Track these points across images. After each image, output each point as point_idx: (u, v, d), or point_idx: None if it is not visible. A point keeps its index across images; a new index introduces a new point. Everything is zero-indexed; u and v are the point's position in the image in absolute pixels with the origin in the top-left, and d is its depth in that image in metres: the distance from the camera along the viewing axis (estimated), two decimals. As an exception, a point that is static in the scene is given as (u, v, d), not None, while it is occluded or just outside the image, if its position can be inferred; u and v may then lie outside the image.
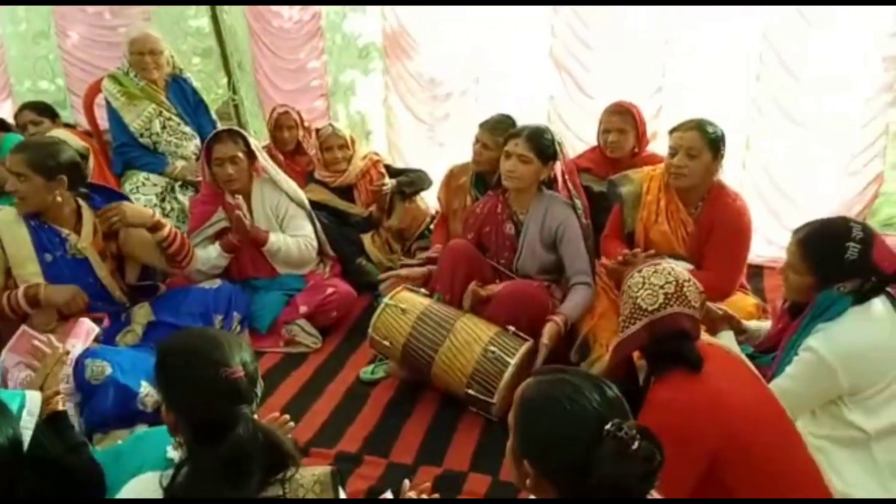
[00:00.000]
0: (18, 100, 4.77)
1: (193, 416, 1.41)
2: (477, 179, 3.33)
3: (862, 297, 1.96)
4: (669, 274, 1.81)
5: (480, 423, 2.53)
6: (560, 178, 2.83)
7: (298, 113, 3.96)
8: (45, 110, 3.83)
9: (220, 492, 1.33)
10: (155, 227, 2.76)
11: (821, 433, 2.01)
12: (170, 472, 1.40)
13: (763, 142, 3.56)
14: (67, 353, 2.19)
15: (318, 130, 3.64)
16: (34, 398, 1.80)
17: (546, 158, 2.73)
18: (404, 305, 2.62)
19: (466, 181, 3.39)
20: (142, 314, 2.93)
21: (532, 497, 1.32)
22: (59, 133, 3.49)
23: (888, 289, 2.02)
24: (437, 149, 4.27)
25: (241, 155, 3.10)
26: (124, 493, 1.45)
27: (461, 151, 3.44)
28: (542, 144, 2.71)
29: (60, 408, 1.93)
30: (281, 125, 3.83)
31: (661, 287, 1.79)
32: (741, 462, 1.64)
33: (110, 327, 2.86)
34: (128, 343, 2.85)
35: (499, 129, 3.13)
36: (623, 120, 3.25)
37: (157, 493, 1.38)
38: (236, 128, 3.30)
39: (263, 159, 3.21)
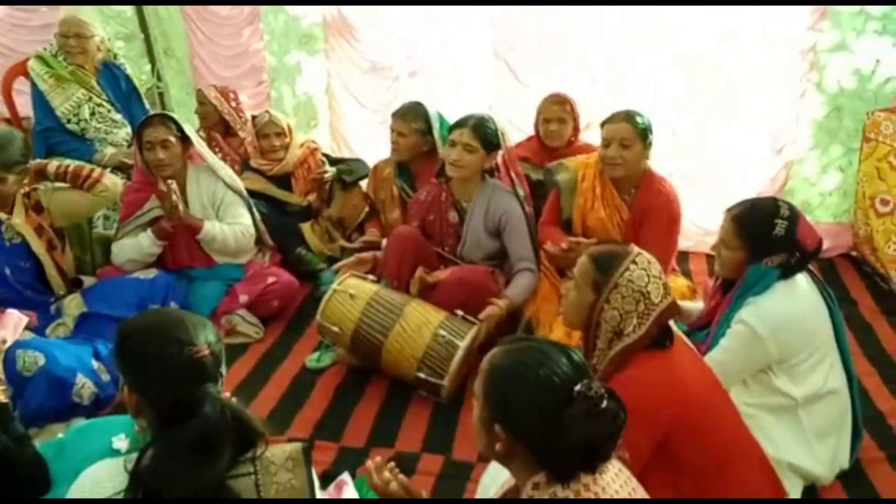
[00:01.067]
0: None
1: (158, 397, 1.37)
2: (399, 169, 3.37)
3: (787, 272, 2.12)
4: (655, 263, 1.81)
5: (430, 406, 2.58)
6: (503, 167, 2.90)
7: (224, 89, 3.86)
8: None
9: (190, 472, 1.30)
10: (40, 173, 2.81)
11: (752, 401, 2.16)
12: (133, 456, 1.37)
13: (687, 131, 3.74)
14: (4, 341, 2.09)
15: (254, 117, 3.58)
16: None
17: (490, 147, 2.80)
18: (353, 291, 2.62)
19: (391, 172, 3.43)
20: (73, 305, 2.83)
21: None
22: None
23: (809, 266, 2.21)
24: (385, 134, 4.26)
25: (172, 139, 3.00)
26: (83, 480, 1.39)
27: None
28: (486, 134, 2.77)
29: (3, 399, 1.84)
30: (200, 102, 3.81)
31: (659, 276, 1.78)
32: (691, 433, 1.74)
33: (39, 321, 2.74)
34: (59, 336, 2.75)
35: (410, 114, 3.22)
36: (563, 110, 3.36)
37: (122, 478, 1.34)
38: (168, 112, 3.20)
39: (199, 144, 3.14)
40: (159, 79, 4.71)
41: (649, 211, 2.88)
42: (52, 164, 2.86)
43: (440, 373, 2.49)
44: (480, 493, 1.91)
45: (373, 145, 4.14)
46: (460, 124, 2.79)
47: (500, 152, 2.87)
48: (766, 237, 2.10)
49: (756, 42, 3.49)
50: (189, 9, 4.45)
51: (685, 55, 3.62)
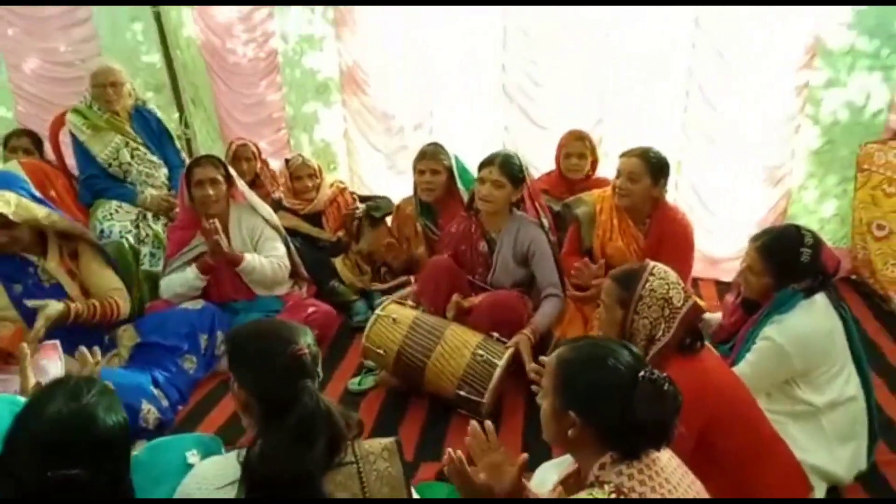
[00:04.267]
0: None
1: (265, 391, 1.55)
2: (421, 207, 3.58)
3: (810, 292, 2.30)
4: (671, 272, 2.00)
5: (470, 423, 2.72)
6: (528, 200, 3.11)
7: (256, 146, 4.12)
8: (40, 143, 3.88)
9: (294, 457, 1.46)
10: None
11: (776, 409, 2.32)
12: (243, 451, 1.53)
13: (692, 166, 3.99)
14: (98, 363, 2.24)
15: (287, 161, 3.81)
16: None
17: (517, 182, 3.01)
18: (395, 316, 2.81)
19: (413, 210, 3.65)
20: (127, 336, 2.99)
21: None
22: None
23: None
24: (396, 177, 4.50)
25: (219, 178, 3.23)
26: (199, 472, 1.55)
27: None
28: (513, 170, 2.99)
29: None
30: (239, 157, 3.98)
31: (678, 283, 1.96)
32: (726, 428, 1.90)
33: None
34: (114, 366, 2.89)
35: (439, 153, 3.42)
36: (583, 146, 3.63)
37: (235, 469, 1.50)
38: (216, 154, 3.42)
39: (241, 184, 3.35)
40: (187, 126, 4.94)
41: (665, 238, 3.08)
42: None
43: (480, 390, 2.66)
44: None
45: (390, 185, 4.41)
46: (488, 162, 3.00)
47: (525, 186, 3.09)
48: (793, 265, 2.28)
49: (753, 80, 3.77)
50: (212, 61, 4.73)
51: (688, 96, 3.89)
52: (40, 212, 2.73)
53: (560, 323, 3.02)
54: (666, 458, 1.45)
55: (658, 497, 1.37)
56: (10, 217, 2.61)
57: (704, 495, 1.48)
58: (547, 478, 1.97)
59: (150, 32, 4.86)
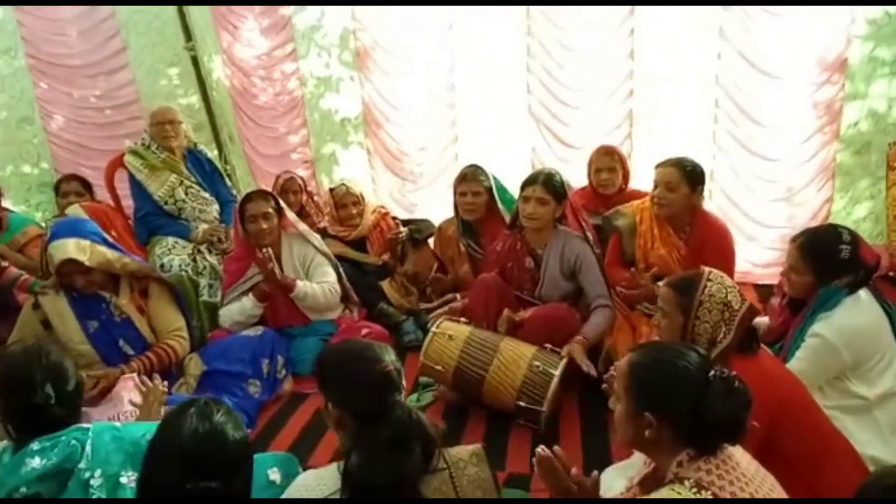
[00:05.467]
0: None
1: (359, 408, 1.65)
2: (463, 227, 3.69)
3: (853, 288, 2.38)
4: (726, 276, 2.10)
5: (529, 433, 2.82)
6: (570, 215, 3.22)
7: (301, 179, 4.29)
8: (88, 185, 4.06)
9: (392, 465, 1.56)
10: None
11: (830, 404, 2.36)
12: (341, 464, 1.63)
13: (724, 175, 4.09)
14: (166, 390, 2.36)
15: (332, 190, 3.95)
16: None
17: (560, 198, 3.12)
18: (451, 333, 2.92)
19: (454, 231, 3.76)
20: (192, 365, 3.12)
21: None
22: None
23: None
24: (424, 204, 4.70)
25: (271, 211, 3.37)
26: (301, 485, 1.65)
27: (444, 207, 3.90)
28: (555, 187, 3.10)
29: None
30: (287, 190, 4.15)
31: (734, 286, 2.07)
32: (789, 425, 1.97)
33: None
34: (183, 394, 3.01)
35: (479, 174, 3.55)
36: (612, 160, 3.73)
37: (337, 480, 1.60)
38: (265, 188, 3.57)
39: (291, 216, 3.50)
40: (227, 161, 5.13)
41: (706, 245, 3.18)
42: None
43: (539, 400, 2.75)
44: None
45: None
46: (532, 181, 3.11)
47: (568, 201, 3.19)
48: (833, 262, 2.38)
49: (776, 92, 3.88)
50: (237, 97, 4.95)
51: (717, 106, 4.01)
52: (112, 255, 2.90)
53: (610, 333, 3.11)
54: (739, 454, 1.51)
55: (737, 490, 1.43)
56: (87, 263, 2.78)
57: (779, 489, 1.54)
58: (613, 483, 2.03)
59: (185, 76, 5.08)
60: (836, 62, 3.74)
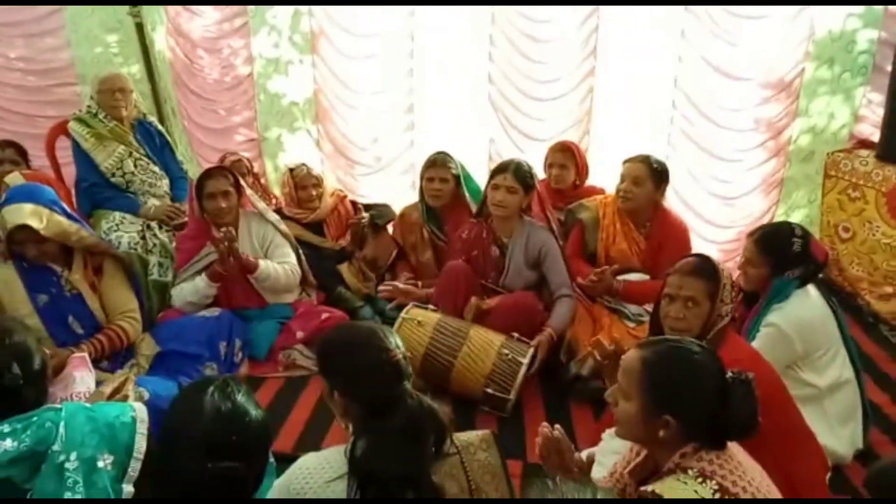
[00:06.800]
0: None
1: (366, 397, 1.60)
2: (428, 213, 3.68)
3: (803, 282, 2.55)
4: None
5: (494, 419, 2.84)
6: (536, 205, 3.26)
7: (249, 161, 4.16)
8: (24, 152, 3.79)
9: (404, 454, 1.53)
10: None
11: (783, 395, 2.54)
12: (346, 446, 1.58)
13: (677, 173, 4.23)
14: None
15: (291, 170, 3.84)
16: (141, 407, 1.89)
17: (528, 188, 3.15)
18: (420, 319, 2.90)
19: (418, 217, 3.75)
20: (144, 346, 2.99)
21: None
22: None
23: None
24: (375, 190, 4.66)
25: (231, 189, 3.25)
26: (302, 467, 1.60)
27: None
28: (524, 176, 3.13)
29: None
30: (234, 171, 3.99)
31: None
32: (773, 402, 1.98)
33: (113, 362, 2.89)
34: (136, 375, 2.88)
35: (447, 160, 3.54)
36: (565, 157, 3.79)
37: (342, 464, 1.56)
38: (224, 165, 3.44)
39: (249, 193, 3.38)
40: (170, 135, 4.89)
41: (665, 241, 3.30)
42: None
43: (506, 387, 2.79)
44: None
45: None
46: (502, 169, 3.14)
47: (535, 192, 3.23)
48: (787, 254, 2.52)
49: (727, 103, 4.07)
50: (182, 74, 4.73)
51: (674, 107, 4.15)
52: (70, 226, 2.74)
53: (570, 324, 3.17)
54: (735, 447, 1.54)
55: (737, 479, 1.45)
56: (42, 232, 2.61)
57: (774, 488, 1.55)
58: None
59: (125, 43, 4.83)
60: (785, 80, 3.93)
